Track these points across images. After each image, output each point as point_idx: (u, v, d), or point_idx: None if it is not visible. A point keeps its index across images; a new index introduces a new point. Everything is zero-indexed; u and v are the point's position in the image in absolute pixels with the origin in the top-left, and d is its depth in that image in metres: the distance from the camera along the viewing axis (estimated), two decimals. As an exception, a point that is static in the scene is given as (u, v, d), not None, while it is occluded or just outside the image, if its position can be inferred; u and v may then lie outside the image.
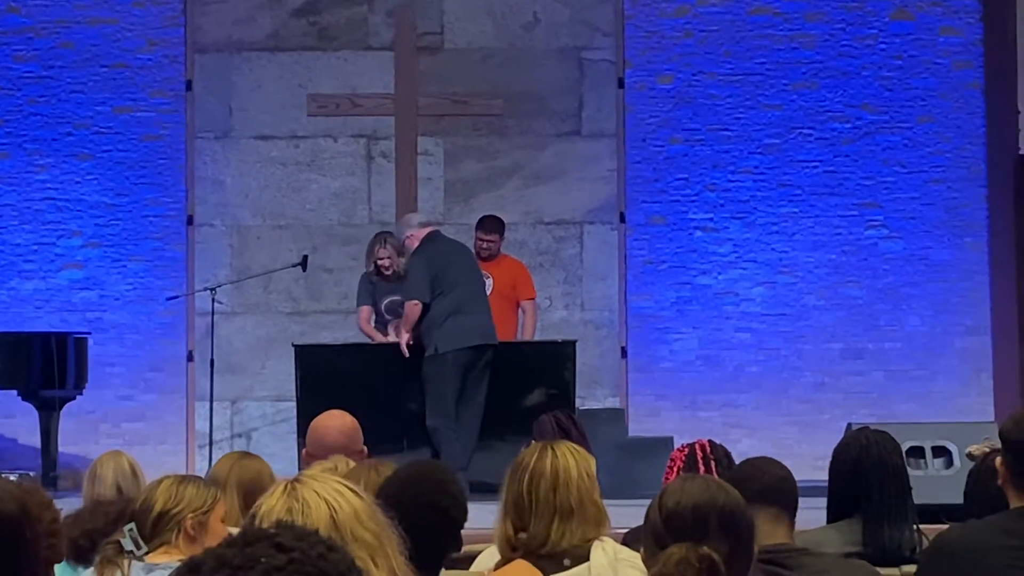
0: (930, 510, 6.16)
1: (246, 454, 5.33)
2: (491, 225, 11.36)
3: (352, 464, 4.66)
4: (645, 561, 3.24)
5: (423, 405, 10.18)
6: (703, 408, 12.31)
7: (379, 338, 10.73)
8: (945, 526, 4.63)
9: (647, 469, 9.81)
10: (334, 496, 2.50)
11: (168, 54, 12.51)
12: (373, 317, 10.86)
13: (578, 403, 10.65)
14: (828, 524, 5.03)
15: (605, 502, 5.76)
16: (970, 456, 5.83)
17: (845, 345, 12.53)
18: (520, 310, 11.34)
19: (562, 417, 6.11)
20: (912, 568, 4.53)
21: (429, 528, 3.47)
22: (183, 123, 12.51)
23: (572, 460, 4.03)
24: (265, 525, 1.99)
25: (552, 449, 4.05)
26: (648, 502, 3.34)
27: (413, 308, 10.18)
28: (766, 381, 12.41)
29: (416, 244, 10.34)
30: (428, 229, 10.46)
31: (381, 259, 10.78)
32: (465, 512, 3.88)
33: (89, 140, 12.45)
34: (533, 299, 11.42)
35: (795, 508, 4.25)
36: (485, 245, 11.26)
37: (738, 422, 12.04)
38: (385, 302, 10.83)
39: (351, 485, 2.56)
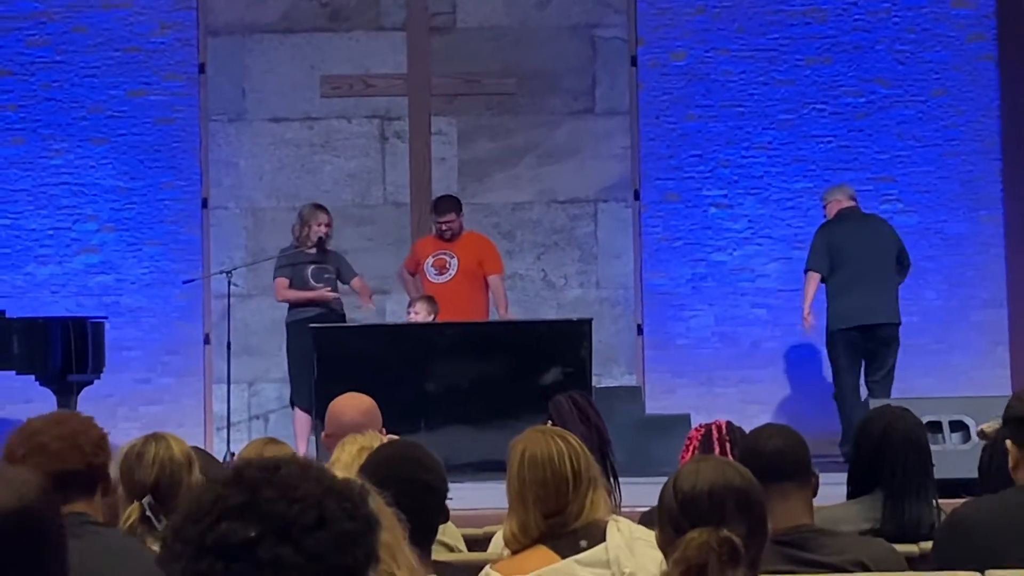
0: (948, 484, 6.16)
1: (271, 440, 5.33)
2: (443, 207, 11.23)
3: (384, 439, 4.64)
4: (661, 545, 3.24)
5: (441, 386, 10.19)
6: (720, 385, 12.31)
7: (309, 294, 11.06)
8: (962, 500, 4.63)
9: (664, 447, 9.80)
10: None
11: (181, 37, 12.51)
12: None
13: (594, 381, 10.63)
14: (848, 500, 5.02)
15: (622, 479, 5.78)
16: (981, 435, 5.81)
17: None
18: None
19: (578, 397, 6.10)
20: (930, 544, 4.54)
21: (416, 504, 3.48)
22: (197, 106, 12.52)
23: (557, 441, 4.01)
24: None
25: (531, 436, 4.04)
26: (666, 479, 3.34)
27: (809, 277, 10.91)
28: (782, 357, 12.40)
29: (830, 215, 11.06)
30: (843, 206, 11.04)
31: (328, 225, 11.15)
32: (446, 483, 3.92)
33: (103, 124, 12.46)
34: (499, 274, 11.25)
35: (807, 477, 4.09)
36: (445, 227, 11.17)
37: (755, 398, 12.03)
38: (311, 269, 11.11)
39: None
